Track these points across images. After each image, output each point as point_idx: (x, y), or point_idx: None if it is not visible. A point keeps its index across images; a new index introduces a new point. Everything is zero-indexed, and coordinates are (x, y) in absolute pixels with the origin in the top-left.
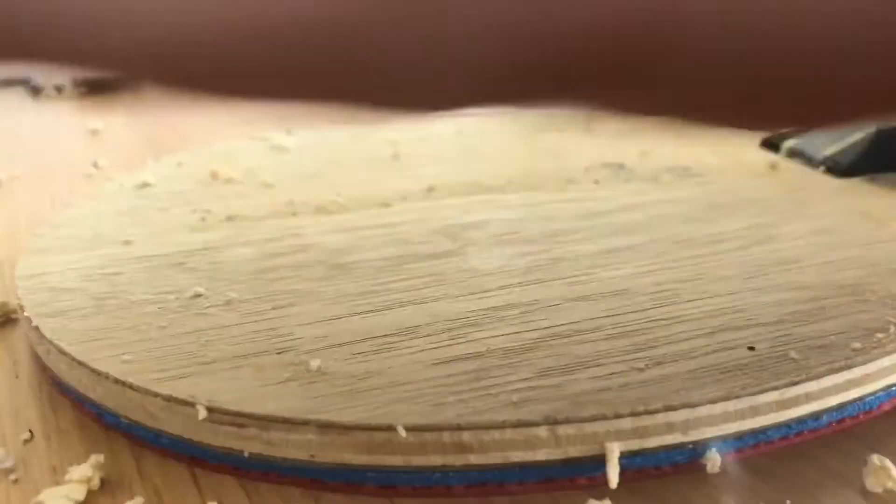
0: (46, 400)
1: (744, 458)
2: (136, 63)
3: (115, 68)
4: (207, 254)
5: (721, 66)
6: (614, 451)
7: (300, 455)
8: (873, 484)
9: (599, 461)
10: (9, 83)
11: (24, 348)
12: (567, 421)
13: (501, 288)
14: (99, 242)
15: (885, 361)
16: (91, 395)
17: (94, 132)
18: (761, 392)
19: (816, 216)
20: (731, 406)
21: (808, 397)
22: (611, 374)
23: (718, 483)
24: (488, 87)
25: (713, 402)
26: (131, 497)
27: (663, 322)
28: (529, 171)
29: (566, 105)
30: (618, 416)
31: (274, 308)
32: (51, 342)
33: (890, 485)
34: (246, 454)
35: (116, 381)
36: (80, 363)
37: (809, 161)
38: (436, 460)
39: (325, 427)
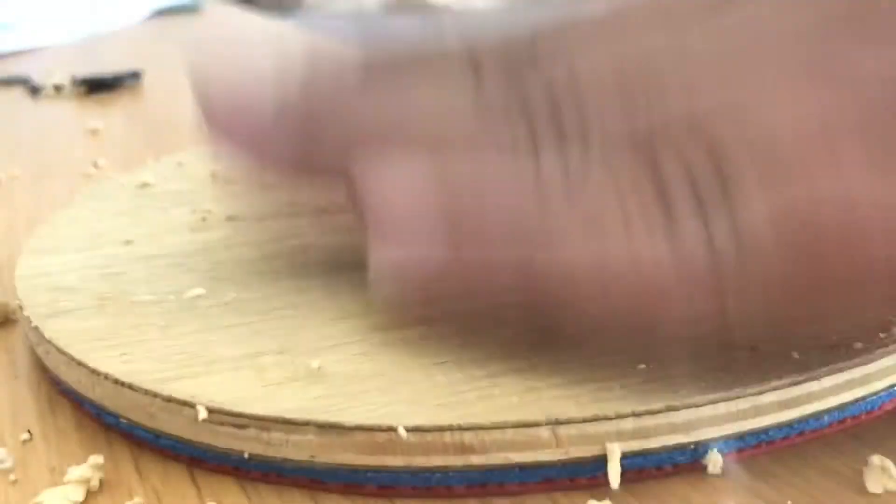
0: (45, 400)
1: (745, 459)
2: None
3: None
4: (208, 254)
5: None
6: (615, 451)
7: (300, 456)
8: (874, 484)
9: (601, 462)
10: (8, 83)
11: (24, 348)
12: (568, 421)
13: None
14: (99, 242)
15: (887, 361)
16: (90, 395)
17: (94, 132)
18: (763, 392)
19: None
20: (732, 406)
21: (810, 397)
22: (612, 374)
23: (719, 483)
24: None
25: (715, 402)
26: (130, 498)
27: None
28: None
29: None
30: (619, 417)
31: (274, 308)
32: (50, 342)
33: (891, 485)
34: (246, 455)
35: (116, 381)
36: (80, 363)
37: None
38: (437, 461)
39: (326, 428)
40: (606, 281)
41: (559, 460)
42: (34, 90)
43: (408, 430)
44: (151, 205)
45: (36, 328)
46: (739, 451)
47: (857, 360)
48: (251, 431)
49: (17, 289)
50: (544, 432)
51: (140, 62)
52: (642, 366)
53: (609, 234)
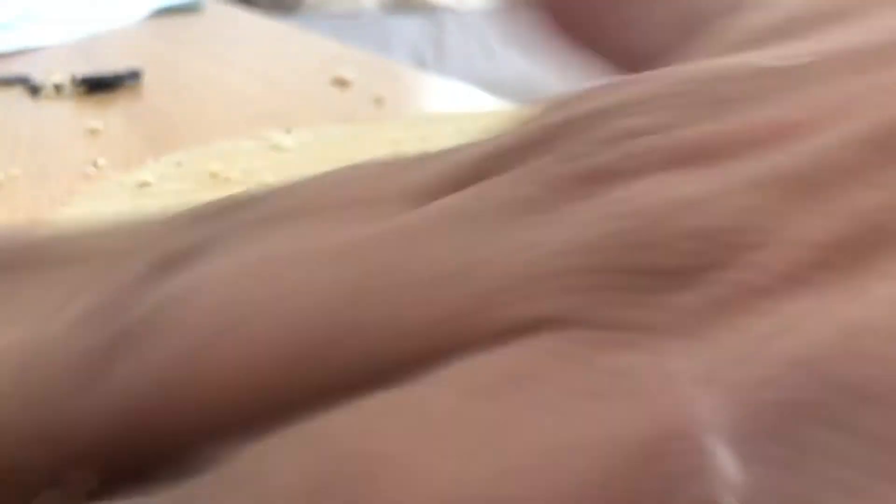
0: None
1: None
2: None
3: None
4: None
5: None
6: None
7: None
8: None
9: None
10: (8, 82)
11: None
12: None
13: None
14: None
15: None
16: None
17: (94, 132)
18: None
19: None
20: None
21: None
22: None
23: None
24: None
25: None
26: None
27: None
28: None
29: None
30: None
31: None
32: None
33: None
34: None
35: None
36: None
37: None
38: None
39: None
40: None
41: None
42: (34, 90)
43: None
44: (151, 205)
45: None
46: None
47: None
48: None
49: None
50: None
51: (140, 62)
52: None
53: None
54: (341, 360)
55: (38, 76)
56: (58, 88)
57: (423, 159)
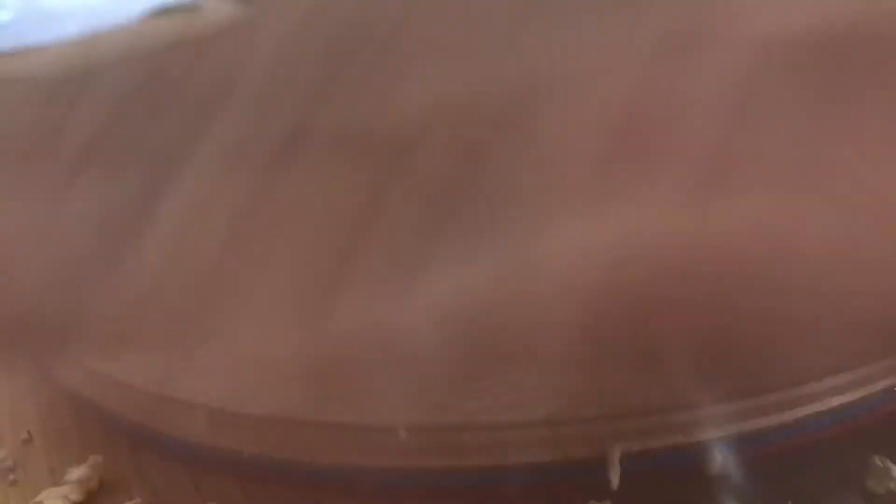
0: (45, 400)
1: (745, 460)
2: None
3: None
4: None
5: None
6: (615, 452)
7: (300, 456)
8: (875, 485)
9: (600, 462)
10: None
11: None
12: (568, 422)
13: None
14: None
15: (887, 362)
16: (90, 395)
17: None
18: (763, 393)
19: None
20: (732, 407)
21: (811, 398)
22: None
23: (719, 484)
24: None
25: (715, 402)
26: (130, 498)
27: None
28: None
29: None
30: (619, 417)
31: None
32: None
33: (892, 486)
34: (245, 455)
35: (116, 381)
36: (80, 363)
37: None
38: (436, 461)
39: (325, 428)
40: None
41: (559, 461)
42: None
43: (407, 430)
44: None
45: None
46: (740, 451)
47: (857, 361)
48: (251, 431)
49: None
50: (544, 432)
51: None
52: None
53: None
54: None
55: None
56: None
57: None
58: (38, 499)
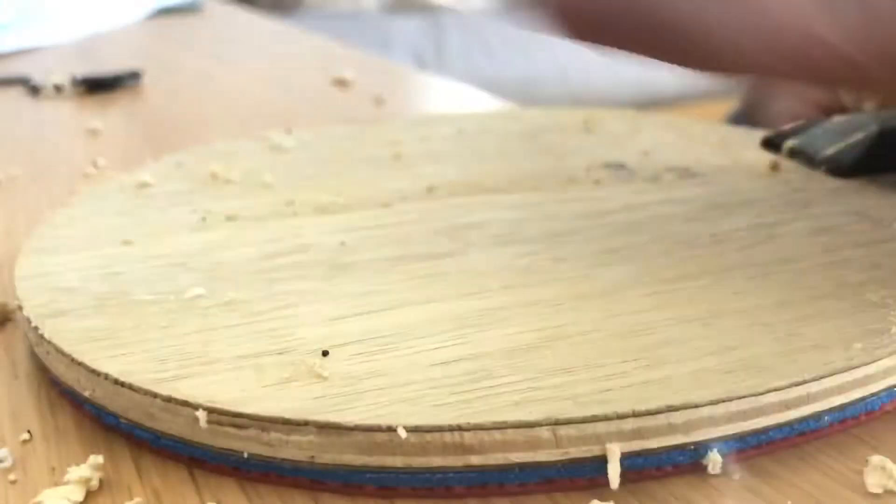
0: (45, 401)
1: (745, 459)
2: None
3: None
4: (208, 254)
5: None
6: (615, 451)
7: (300, 456)
8: (874, 485)
9: (601, 462)
10: (8, 82)
11: (24, 348)
12: (568, 422)
13: (502, 288)
14: (98, 242)
15: (887, 362)
16: (90, 395)
17: (94, 132)
18: (763, 393)
19: (817, 216)
20: (732, 407)
21: (810, 398)
22: (612, 374)
23: (719, 484)
24: None
25: (714, 402)
26: (130, 498)
27: (664, 322)
28: (530, 171)
29: None
30: (619, 417)
31: (274, 308)
32: (50, 342)
33: (891, 485)
34: (245, 455)
35: (116, 381)
36: (79, 363)
37: (810, 161)
38: (436, 461)
39: (326, 428)
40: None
41: (559, 460)
42: (34, 90)
43: (407, 430)
44: (151, 205)
45: (35, 328)
46: (739, 451)
47: (856, 361)
48: (251, 431)
49: (17, 289)
50: (544, 432)
51: (140, 62)
52: (643, 366)
53: None
54: None
55: (38, 76)
56: (58, 88)
57: None
58: (38, 499)
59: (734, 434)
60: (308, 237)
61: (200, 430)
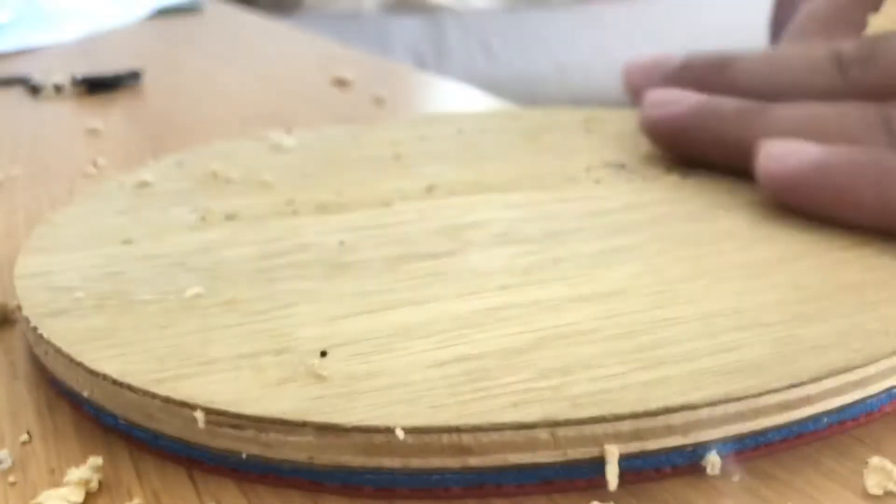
0: (44, 401)
1: (744, 460)
2: None
3: None
4: (207, 254)
5: None
6: (614, 452)
7: (299, 457)
8: (874, 486)
9: (599, 463)
10: (8, 82)
11: (23, 349)
12: (566, 423)
13: (501, 288)
14: (98, 242)
15: (886, 363)
16: (89, 395)
17: (94, 131)
18: (762, 394)
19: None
20: (731, 408)
21: (809, 399)
22: (610, 375)
23: (718, 485)
24: None
25: (713, 403)
26: (129, 499)
27: (663, 323)
28: (530, 170)
29: None
30: (617, 418)
31: (274, 308)
32: (49, 342)
33: (891, 487)
34: (244, 455)
35: (115, 381)
36: (79, 364)
37: None
38: (434, 462)
39: (324, 429)
40: None
41: (557, 462)
42: (34, 90)
43: (405, 431)
44: (151, 204)
45: (35, 328)
46: (738, 452)
47: (856, 363)
48: (250, 432)
49: (17, 289)
50: (542, 433)
51: (140, 62)
52: (642, 367)
53: None
54: None
55: (38, 76)
56: (58, 88)
57: None
58: (37, 500)
59: (733, 435)
60: (308, 237)
61: (199, 430)
